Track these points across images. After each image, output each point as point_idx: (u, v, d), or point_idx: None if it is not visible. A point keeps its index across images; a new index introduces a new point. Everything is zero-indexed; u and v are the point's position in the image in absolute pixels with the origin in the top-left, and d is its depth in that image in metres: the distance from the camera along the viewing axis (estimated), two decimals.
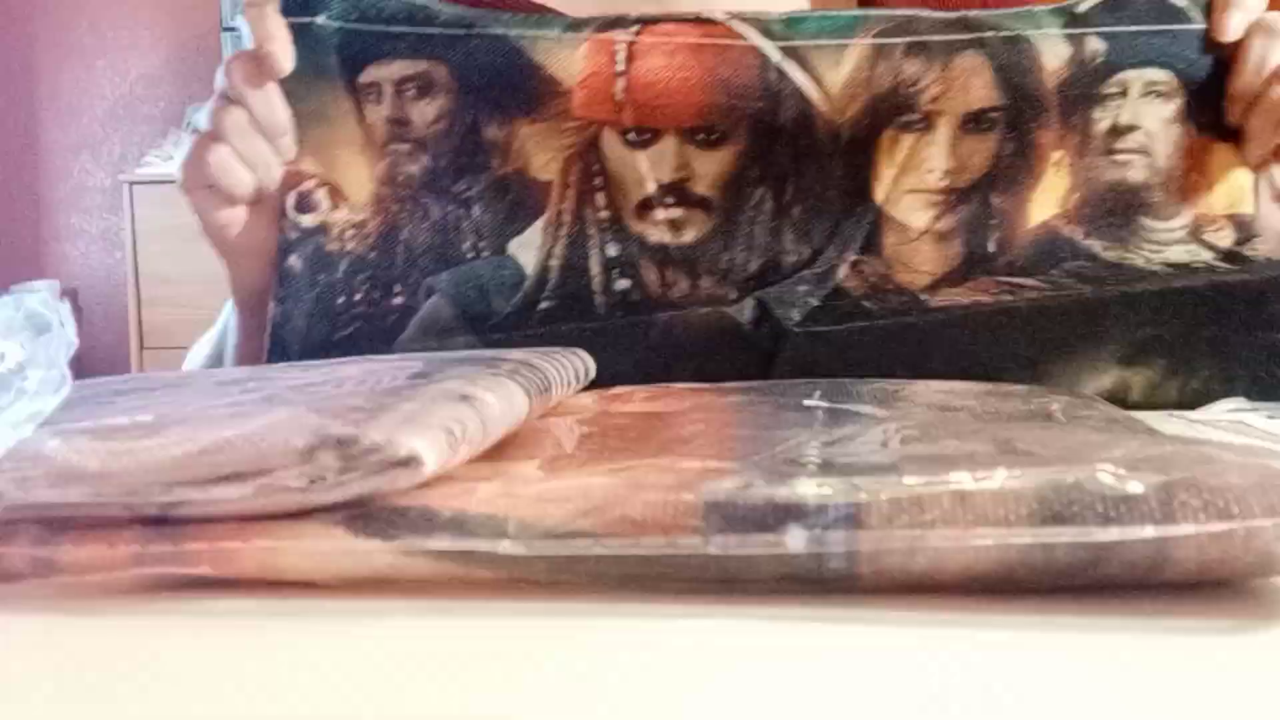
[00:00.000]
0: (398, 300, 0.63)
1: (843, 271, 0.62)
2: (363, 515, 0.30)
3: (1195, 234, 0.61)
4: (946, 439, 0.35)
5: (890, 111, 0.62)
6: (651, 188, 0.63)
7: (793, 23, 0.62)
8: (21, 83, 3.16)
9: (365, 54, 0.63)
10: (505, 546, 0.29)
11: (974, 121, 0.62)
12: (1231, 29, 0.59)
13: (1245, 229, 0.61)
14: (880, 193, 0.62)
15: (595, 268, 0.63)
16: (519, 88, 0.63)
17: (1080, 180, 0.61)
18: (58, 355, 0.35)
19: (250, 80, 0.61)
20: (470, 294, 0.63)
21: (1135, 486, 0.28)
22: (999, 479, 0.29)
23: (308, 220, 0.63)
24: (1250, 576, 0.29)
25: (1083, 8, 0.62)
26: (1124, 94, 0.61)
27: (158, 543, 0.30)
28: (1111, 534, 0.28)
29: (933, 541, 0.28)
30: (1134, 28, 0.61)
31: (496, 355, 0.44)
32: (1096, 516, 0.28)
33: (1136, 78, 0.61)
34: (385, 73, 0.63)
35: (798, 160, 0.63)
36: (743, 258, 0.63)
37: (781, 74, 0.61)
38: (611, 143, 0.63)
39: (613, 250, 0.63)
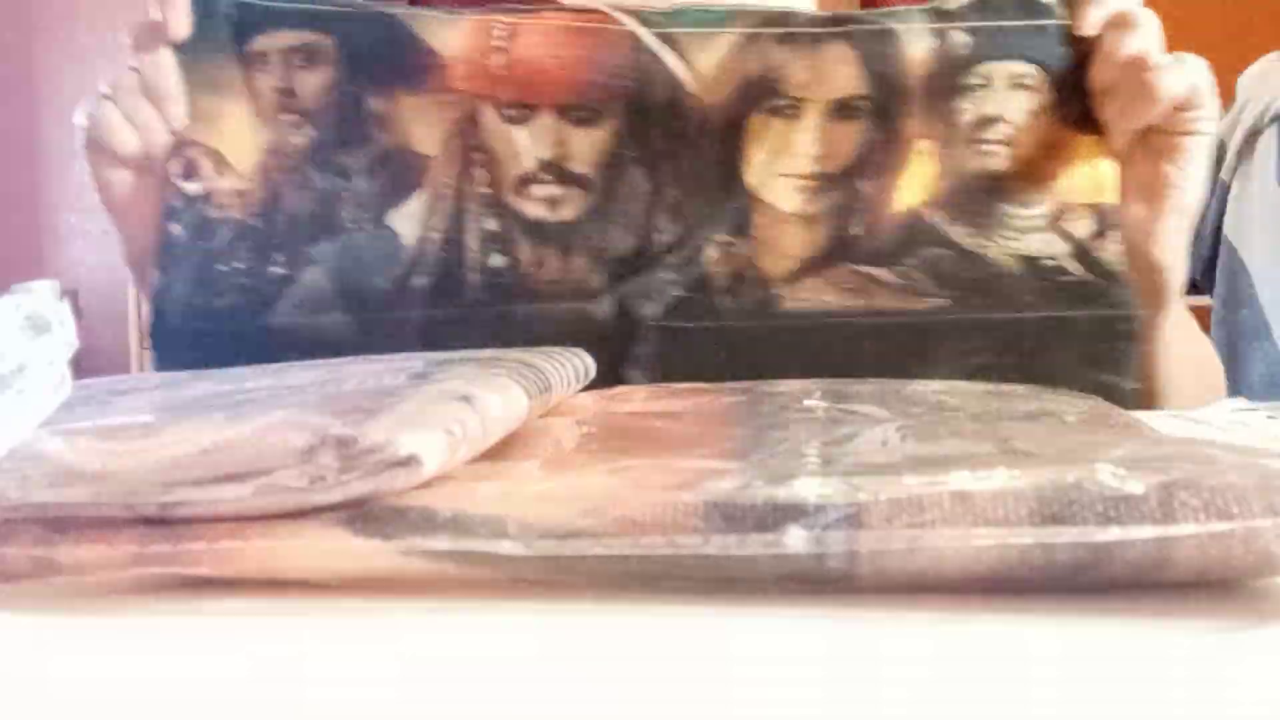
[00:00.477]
0: (277, 270, 0.64)
1: (710, 253, 0.63)
2: (363, 515, 0.30)
3: (1054, 222, 0.62)
4: (946, 439, 0.35)
5: (758, 95, 0.63)
6: (530, 164, 0.64)
7: (672, 14, 0.64)
8: (21, 83, 3.16)
9: (256, 25, 0.64)
10: (505, 546, 0.29)
11: (841, 109, 0.63)
12: (1090, 22, 0.61)
13: (1105, 220, 0.62)
14: (751, 176, 0.64)
15: (472, 243, 0.64)
16: (400, 60, 0.64)
17: (945, 168, 0.63)
18: (58, 355, 0.35)
19: (143, 45, 0.63)
20: (347, 265, 0.64)
21: (1135, 486, 0.28)
22: (999, 479, 0.29)
23: (192, 187, 0.64)
24: (1250, 576, 0.29)
25: (951, 4, 0.63)
26: (988, 85, 0.62)
27: (158, 543, 0.30)
28: (1111, 534, 0.28)
29: (933, 541, 0.28)
30: (999, 22, 0.63)
31: (496, 355, 0.44)
32: (1096, 516, 0.28)
33: (1001, 70, 0.63)
34: (273, 43, 0.64)
35: (670, 141, 0.64)
36: (618, 236, 0.64)
37: (654, 56, 0.63)
38: (490, 118, 0.64)
39: (491, 224, 0.64)
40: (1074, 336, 0.61)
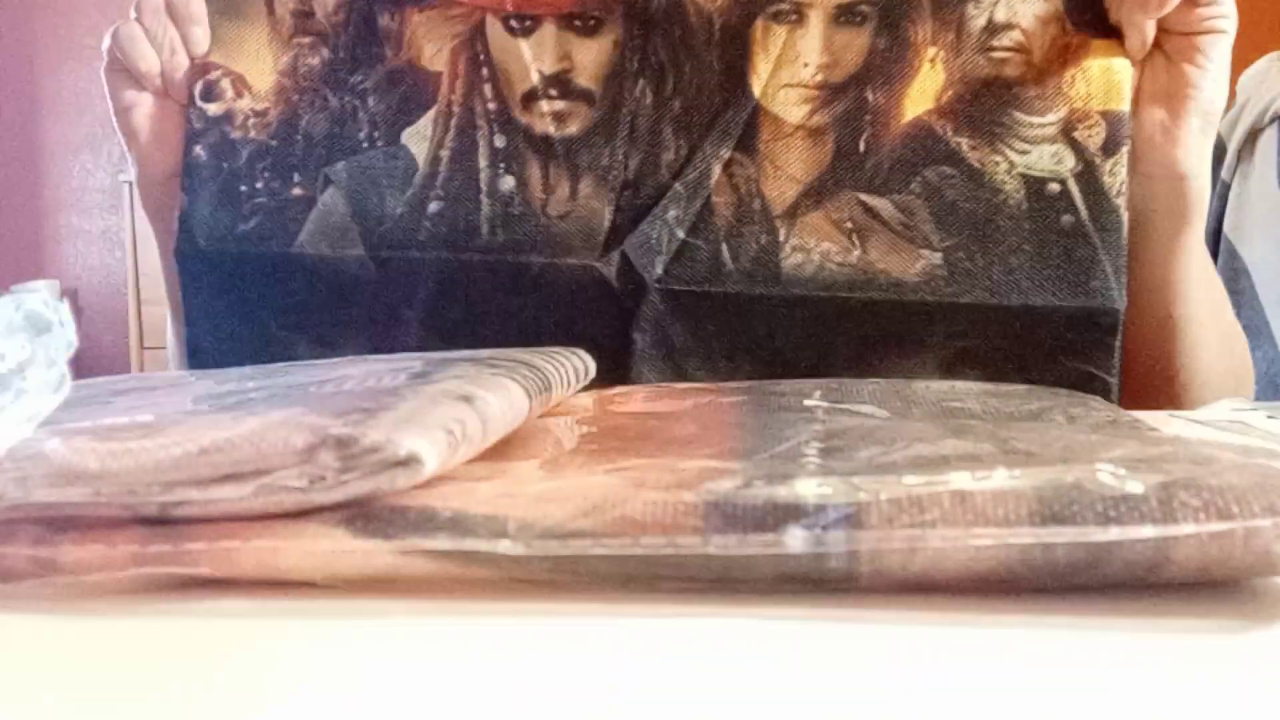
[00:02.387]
0: (297, 191, 0.66)
1: (716, 173, 0.63)
2: (363, 515, 0.30)
3: (1066, 131, 0.61)
4: (946, 439, 0.35)
5: (760, 0, 0.63)
6: (535, 78, 0.65)
7: None
8: (21, 83, 3.16)
9: None
10: (505, 546, 0.29)
11: (845, 15, 0.63)
12: None
13: (1116, 128, 0.60)
14: (757, 87, 0.63)
15: (483, 160, 0.65)
16: None
17: (955, 76, 0.62)
18: (58, 355, 0.35)
19: None
20: (363, 185, 0.66)
21: (1135, 486, 0.28)
22: (999, 479, 0.29)
23: (213, 108, 0.67)
24: (1250, 576, 0.29)
25: None
26: None
27: (157, 543, 0.30)
28: (1111, 534, 0.28)
29: (933, 541, 0.28)
30: None
31: (496, 355, 0.44)
32: (1096, 516, 0.28)
33: None
34: None
35: (674, 51, 0.64)
36: (623, 153, 0.64)
37: None
38: (496, 31, 0.65)
39: (500, 141, 0.65)
40: (1046, 323, 0.60)
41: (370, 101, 0.66)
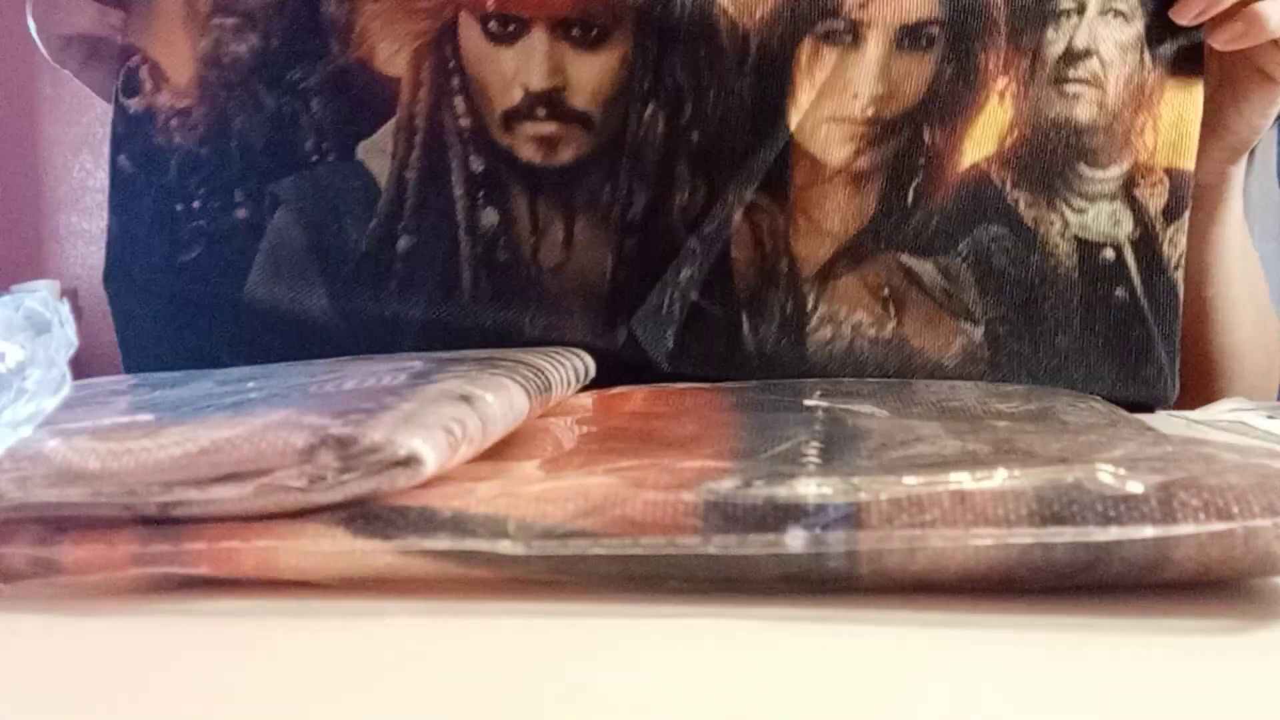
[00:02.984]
0: (241, 213, 0.55)
1: (737, 220, 0.54)
2: (363, 515, 0.30)
3: (1127, 188, 0.54)
4: (946, 439, 0.35)
5: (810, 15, 0.53)
6: (518, 96, 0.53)
7: None
8: (21, 83, 3.16)
9: None
10: (505, 546, 0.29)
11: (910, 36, 0.53)
12: None
13: (1180, 190, 0.55)
14: (795, 118, 0.53)
15: (458, 187, 0.54)
16: None
17: (1023, 115, 0.54)
18: (58, 355, 0.35)
19: None
20: (319, 210, 0.55)
21: (1135, 486, 0.28)
22: (999, 479, 0.29)
23: (134, 104, 0.56)
24: (1250, 576, 0.29)
25: None
26: (1081, 10, 0.54)
27: (157, 543, 0.30)
28: (1111, 534, 0.28)
29: (933, 541, 0.28)
30: None
31: (496, 355, 0.44)
32: (1096, 516, 0.28)
33: None
34: None
35: (696, 73, 0.53)
36: (626, 190, 0.54)
37: None
38: (470, 34, 0.54)
39: (477, 165, 0.54)
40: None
41: (314, 104, 0.55)
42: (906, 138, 0.54)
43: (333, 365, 0.46)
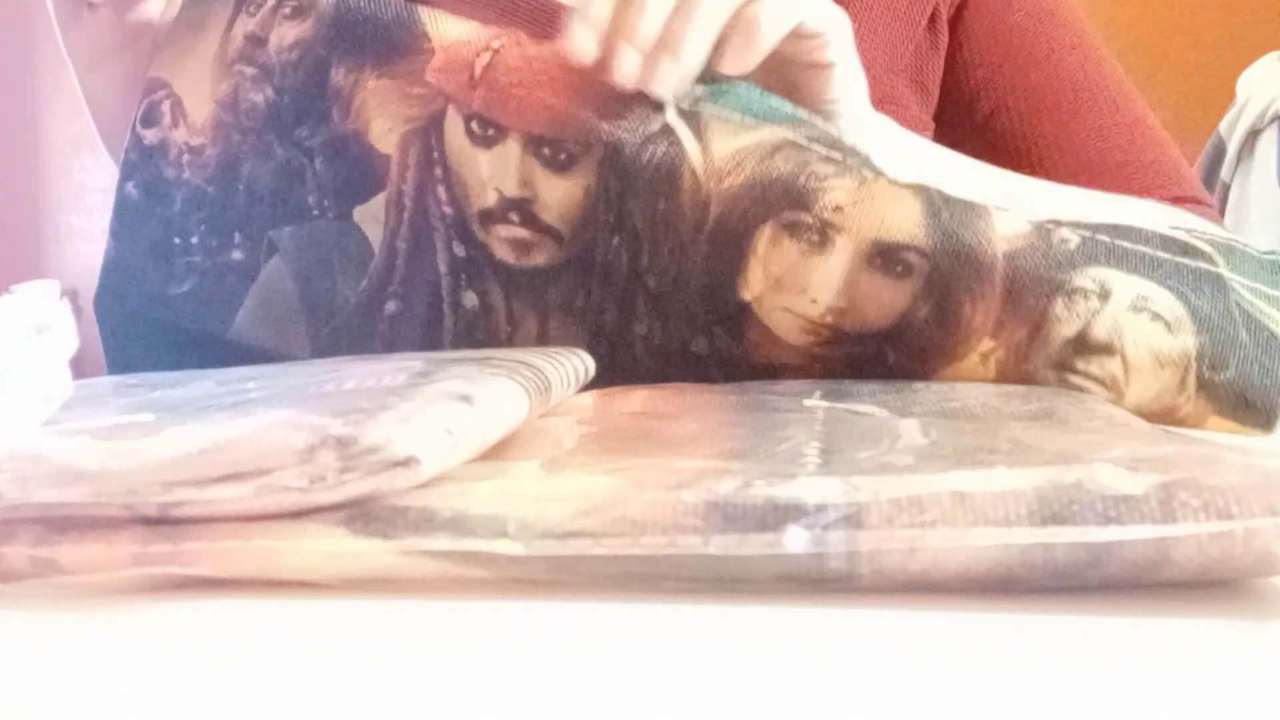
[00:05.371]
0: (237, 255, 0.56)
1: (700, 345, 0.52)
2: (363, 515, 0.30)
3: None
4: (947, 439, 0.35)
5: (778, 202, 0.48)
6: (493, 199, 0.53)
7: (712, 91, 0.51)
8: (21, 83, 3.16)
9: None
10: (505, 546, 0.29)
11: (884, 256, 0.47)
12: None
13: None
14: (748, 294, 0.50)
15: (443, 266, 0.54)
16: (383, 33, 0.55)
17: (1020, 378, 0.49)
18: (58, 355, 0.35)
19: None
20: (312, 261, 0.55)
21: (1135, 486, 0.28)
22: (999, 479, 0.29)
23: (150, 135, 0.57)
24: (1250, 576, 0.29)
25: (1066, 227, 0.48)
26: (1104, 296, 0.46)
27: (158, 543, 0.30)
28: (1111, 534, 0.28)
29: (933, 541, 0.28)
30: (1132, 245, 0.47)
31: (496, 355, 0.44)
32: (1096, 516, 0.28)
33: (1124, 283, 0.46)
34: None
35: (653, 223, 0.51)
36: (599, 300, 0.52)
37: (666, 129, 0.50)
38: (454, 130, 0.53)
39: (459, 250, 0.54)
40: None
41: (317, 163, 0.55)
42: (869, 352, 0.50)
43: (333, 365, 0.46)
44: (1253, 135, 1.85)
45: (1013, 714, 0.23)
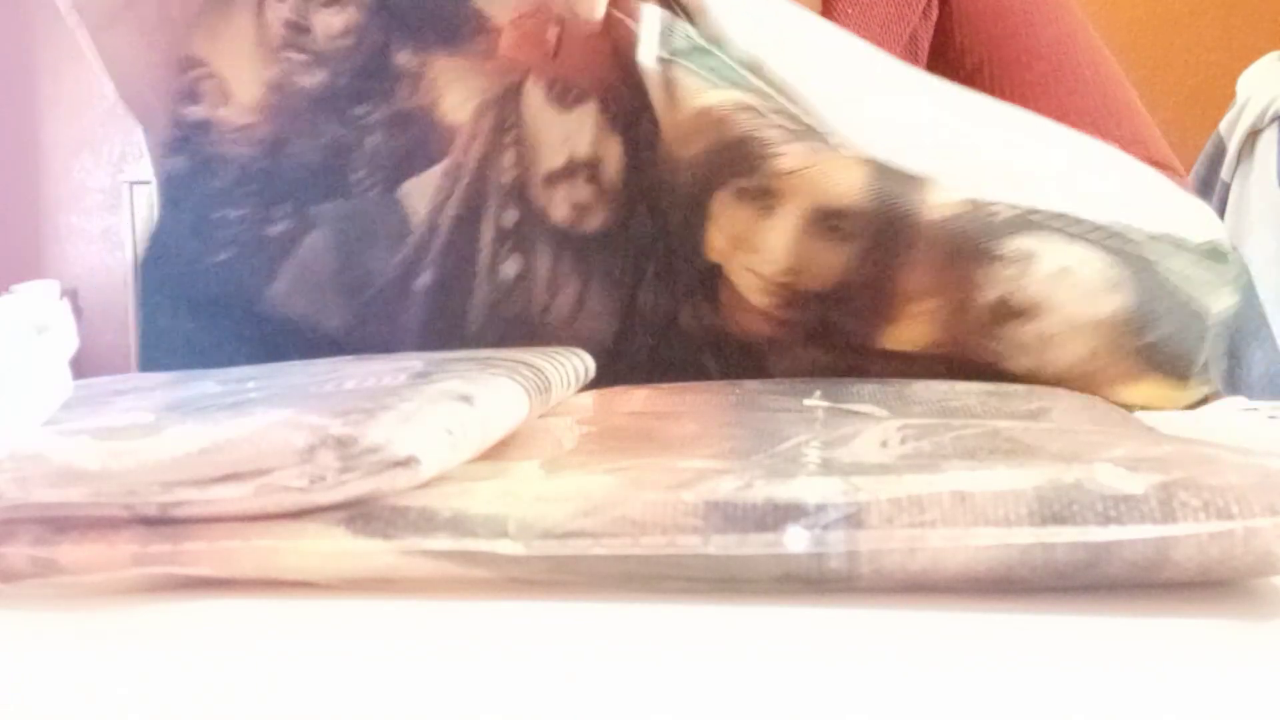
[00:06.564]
0: (278, 228, 0.58)
1: (686, 317, 0.55)
2: (363, 515, 0.30)
3: None
4: (946, 439, 0.35)
5: (727, 168, 0.50)
6: (562, 160, 0.55)
7: (693, 47, 0.51)
8: (21, 83, 3.16)
9: None
10: (505, 546, 0.29)
11: (826, 221, 0.49)
12: None
13: None
14: (715, 256, 0.52)
15: (487, 236, 0.56)
16: (441, 16, 0.56)
17: (951, 340, 0.50)
18: (58, 355, 0.35)
19: None
20: (351, 236, 0.57)
21: (1135, 486, 0.28)
22: (999, 479, 0.29)
23: (194, 112, 0.58)
24: (1250, 576, 0.29)
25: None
26: (1028, 264, 0.47)
27: (158, 543, 0.30)
28: (1111, 534, 0.28)
29: (933, 541, 0.28)
30: (1064, 225, 0.47)
31: (496, 355, 0.44)
32: (1096, 516, 0.28)
33: (1051, 250, 0.47)
34: None
35: (648, 188, 0.54)
36: (633, 259, 0.55)
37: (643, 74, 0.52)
38: (534, 95, 0.55)
39: (509, 219, 0.55)
40: None
41: (370, 140, 0.57)
42: (823, 315, 0.52)
43: (333, 365, 0.46)
44: (1253, 135, 1.86)
45: (1013, 714, 0.23)
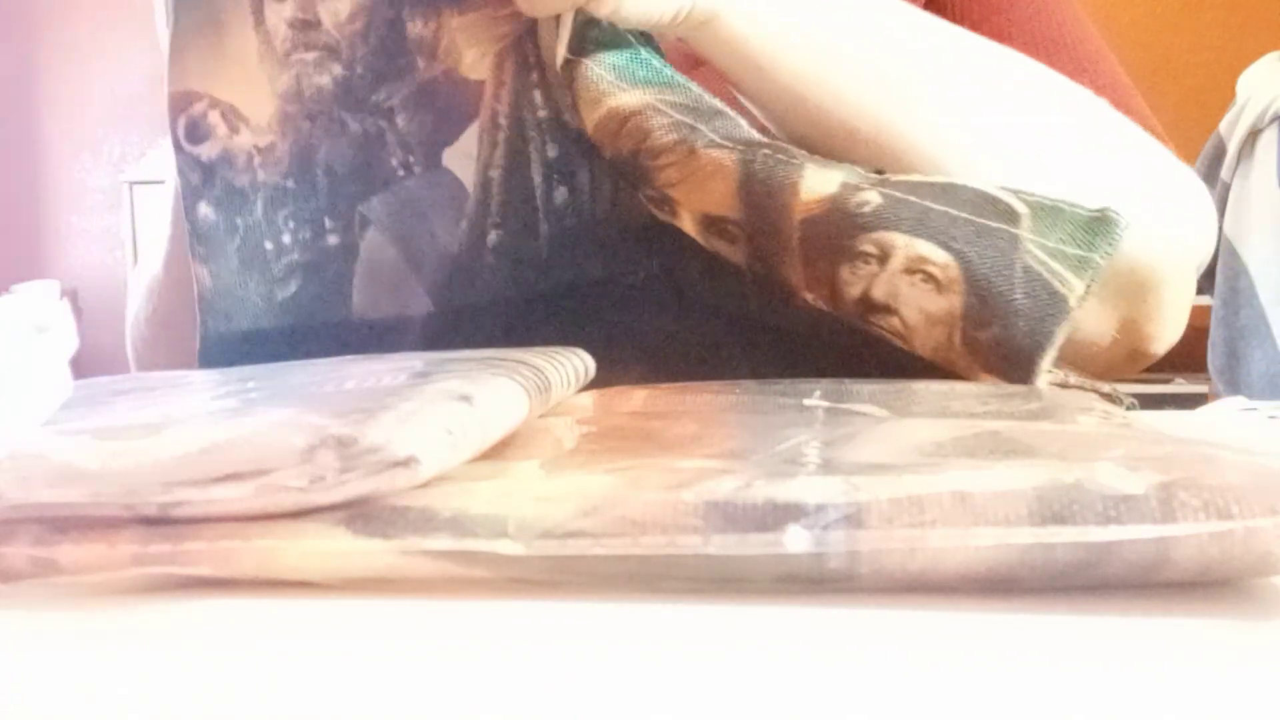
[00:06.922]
0: (333, 240, 0.56)
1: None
2: (363, 515, 0.30)
3: None
4: (947, 439, 0.35)
5: (630, 177, 0.53)
6: None
7: (606, 44, 0.53)
8: (21, 83, 3.16)
9: None
10: (505, 546, 0.29)
11: (714, 226, 0.52)
12: None
13: None
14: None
15: (537, 175, 0.56)
16: None
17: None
18: (58, 355, 0.35)
19: None
20: (409, 222, 0.56)
21: (1135, 486, 0.28)
22: (999, 479, 0.29)
23: (206, 152, 0.56)
24: (1250, 576, 0.29)
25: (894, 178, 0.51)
26: (883, 261, 0.48)
27: (158, 543, 0.30)
28: (1111, 534, 0.28)
29: (933, 541, 0.28)
30: (935, 205, 0.48)
31: (496, 355, 0.44)
32: (1096, 516, 0.28)
33: (905, 246, 0.48)
34: None
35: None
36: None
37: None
38: (548, 28, 0.55)
39: (553, 151, 0.56)
40: None
41: (399, 121, 0.56)
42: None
43: (333, 365, 0.46)
44: (1253, 135, 1.86)
45: (1013, 714, 0.23)
